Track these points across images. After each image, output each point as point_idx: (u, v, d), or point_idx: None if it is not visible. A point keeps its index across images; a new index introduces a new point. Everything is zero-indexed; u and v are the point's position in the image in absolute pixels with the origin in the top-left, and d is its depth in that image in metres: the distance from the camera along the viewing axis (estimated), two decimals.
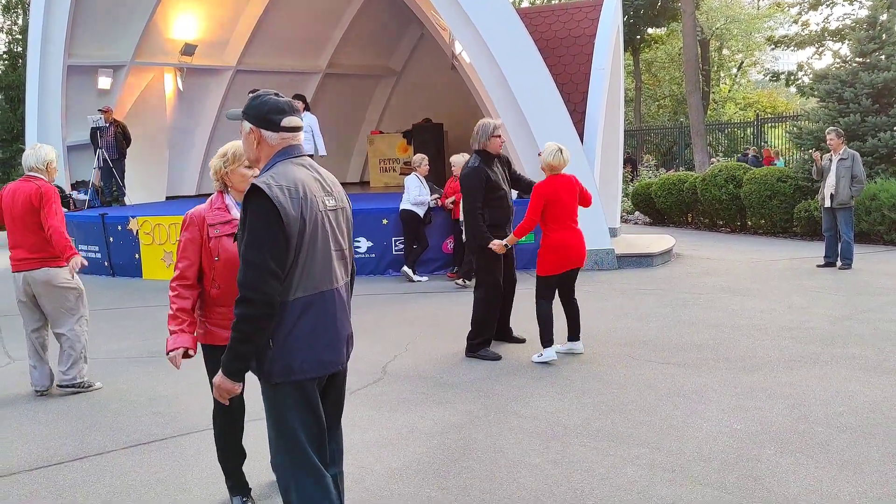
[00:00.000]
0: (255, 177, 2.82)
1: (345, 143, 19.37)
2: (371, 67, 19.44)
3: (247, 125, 2.84)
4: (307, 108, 12.36)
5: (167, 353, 3.52)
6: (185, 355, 3.52)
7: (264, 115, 2.80)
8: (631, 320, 7.50)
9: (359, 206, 11.28)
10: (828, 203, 10.30)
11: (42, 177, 5.73)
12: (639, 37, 34.61)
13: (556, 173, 6.16)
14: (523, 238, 6.32)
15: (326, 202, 2.80)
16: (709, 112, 32.75)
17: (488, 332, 6.45)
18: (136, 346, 7.21)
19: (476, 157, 6.42)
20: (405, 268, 10.34)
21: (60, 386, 5.76)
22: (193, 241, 3.57)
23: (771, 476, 3.89)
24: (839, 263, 10.28)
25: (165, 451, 4.57)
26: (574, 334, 6.37)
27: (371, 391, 5.58)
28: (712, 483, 3.84)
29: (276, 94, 2.86)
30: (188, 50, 15.30)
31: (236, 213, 3.56)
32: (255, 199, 2.63)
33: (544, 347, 6.15)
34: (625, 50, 25.39)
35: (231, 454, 3.76)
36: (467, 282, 9.54)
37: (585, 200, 6.31)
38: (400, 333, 7.34)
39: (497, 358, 6.29)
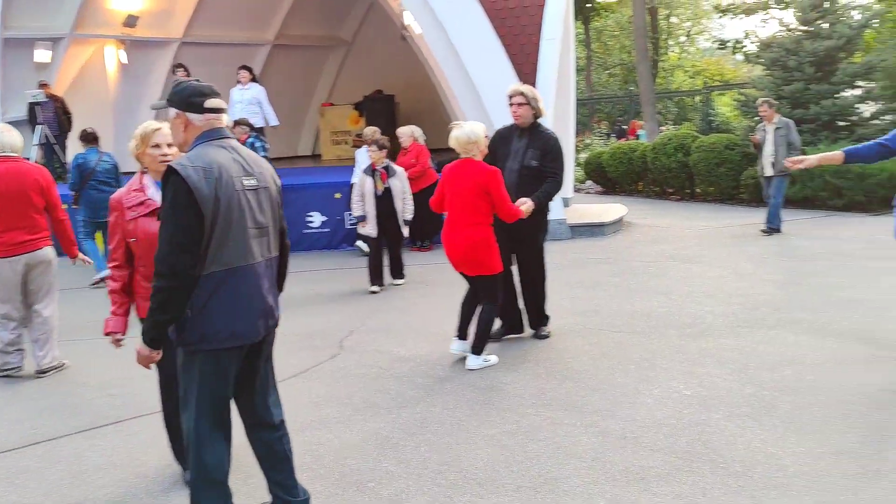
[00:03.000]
0: (166, 158, 3.34)
1: (296, 116, 19.03)
2: (320, 38, 19.11)
3: (172, 111, 3.04)
4: (254, 80, 12.14)
5: (105, 335, 3.78)
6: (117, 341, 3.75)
7: (187, 98, 3.00)
8: (583, 290, 7.61)
9: (311, 180, 11.21)
10: (769, 172, 10.41)
11: (21, 157, 5.55)
12: (589, 5, 34.61)
13: (465, 157, 5.30)
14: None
15: (245, 182, 2.96)
16: (658, 80, 33.02)
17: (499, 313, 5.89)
18: (76, 325, 7.07)
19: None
20: (358, 242, 10.30)
21: (42, 372, 5.64)
22: (117, 224, 3.72)
23: (719, 439, 4.01)
24: (765, 227, 10.41)
25: (120, 434, 4.53)
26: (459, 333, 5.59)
27: (327, 367, 5.59)
28: (663, 448, 3.95)
29: (198, 80, 3.09)
30: (131, 21, 14.84)
31: (153, 192, 3.65)
32: (171, 179, 2.84)
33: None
34: (576, 18, 25.36)
35: (180, 435, 3.75)
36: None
37: (501, 210, 5.23)
38: (356, 309, 7.34)
39: (496, 337, 5.96)
